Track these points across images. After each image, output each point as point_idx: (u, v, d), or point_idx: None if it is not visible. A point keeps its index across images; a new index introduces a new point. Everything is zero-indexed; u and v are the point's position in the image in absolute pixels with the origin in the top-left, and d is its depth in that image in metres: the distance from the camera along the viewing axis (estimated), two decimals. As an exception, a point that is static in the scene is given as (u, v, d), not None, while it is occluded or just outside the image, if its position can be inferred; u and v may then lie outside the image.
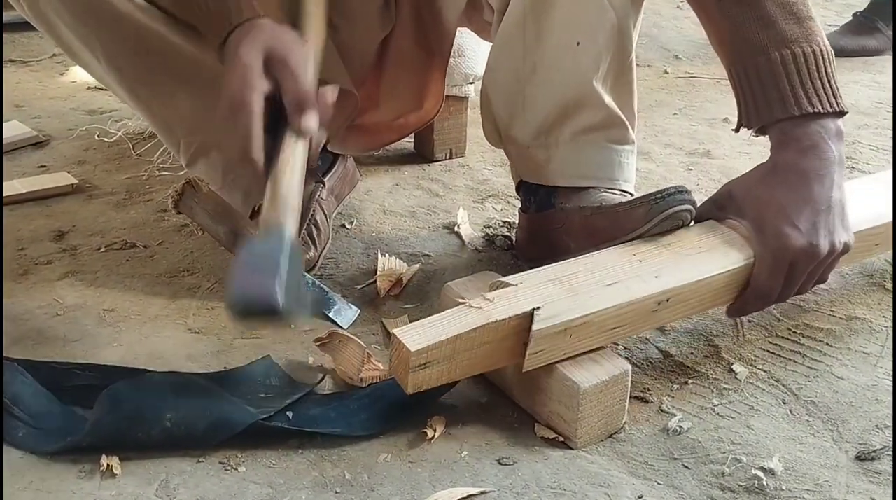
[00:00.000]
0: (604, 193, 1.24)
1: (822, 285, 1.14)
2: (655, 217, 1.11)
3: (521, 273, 1.02)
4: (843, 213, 1.06)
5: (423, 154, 1.72)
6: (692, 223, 1.15)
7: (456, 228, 1.45)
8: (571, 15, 1.16)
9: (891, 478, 0.95)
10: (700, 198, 1.54)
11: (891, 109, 1.99)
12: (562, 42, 1.18)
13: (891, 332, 1.19)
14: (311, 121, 0.99)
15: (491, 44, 1.51)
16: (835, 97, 1.06)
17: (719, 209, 1.10)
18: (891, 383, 1.09)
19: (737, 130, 1.12)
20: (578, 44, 1.17)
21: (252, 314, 0.89)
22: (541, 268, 1.02)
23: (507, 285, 0.97)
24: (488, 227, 1.46)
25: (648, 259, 1.03)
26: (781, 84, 1.05)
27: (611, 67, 1.20)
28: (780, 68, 1.05)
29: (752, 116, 1.09)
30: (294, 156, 0.98)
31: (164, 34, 1.17)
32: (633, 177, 1.28)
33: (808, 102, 1.05)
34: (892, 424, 1.02)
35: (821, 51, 1.06)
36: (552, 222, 1.27)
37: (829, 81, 1.06)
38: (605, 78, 1.20)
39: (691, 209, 1.14)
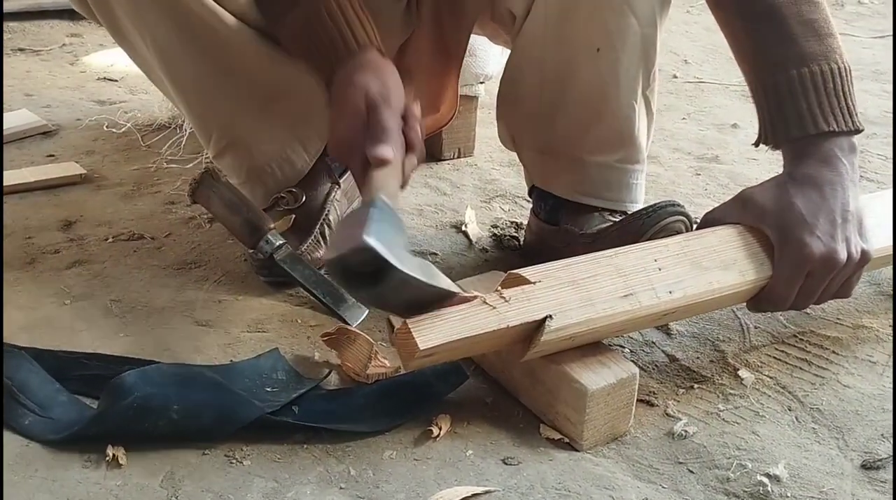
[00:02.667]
0: (608, 217, 1.26)
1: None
2: (648, 230, 1.15)
3: (542, 267, 1.00)
4: (860, 223, 1.06)
5: (431, 153, 1.72)
6: (695, 227, 1.16)
7: (463, 228, 1.45)
8: (592, 21, 1.17)
9: (896, 487, 0.95)
10: (709, 203, 1.56)
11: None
12: (581, 48, 1.19)
13: (897, 341, 1.19)
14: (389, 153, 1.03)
15: (500, 47, 1.52)
16: (851, 115, 1.06)
17: (741, 212, 1.10)
18: (897, 393, 1.09)
19: (756, 145, 1.12)
20: (598, 50, 1.17)
21: (349, 265, 0.86)
22: (563, 263, 1.00)
23: (526, 281, 0.97)
24: (496, 226, 1.46)
25: (668, 268, 1.02)
26: (798, 102, 1.06)
27: (632, 76, 1.20)
28: (797, 86, 1.06)
29: (769, 133, 1.10)
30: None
31: (219, 29, 1.18)
32: (642, 197, 1.29)
33: (823, 121, 1.05)
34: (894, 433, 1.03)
35: (839, 68, 1.06)
36: (557, 240, 1.30)
37: (845, 99, 1.06)
38: (625, 87, 1.21)
39: (684, 221, 1.17)
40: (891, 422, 1.04)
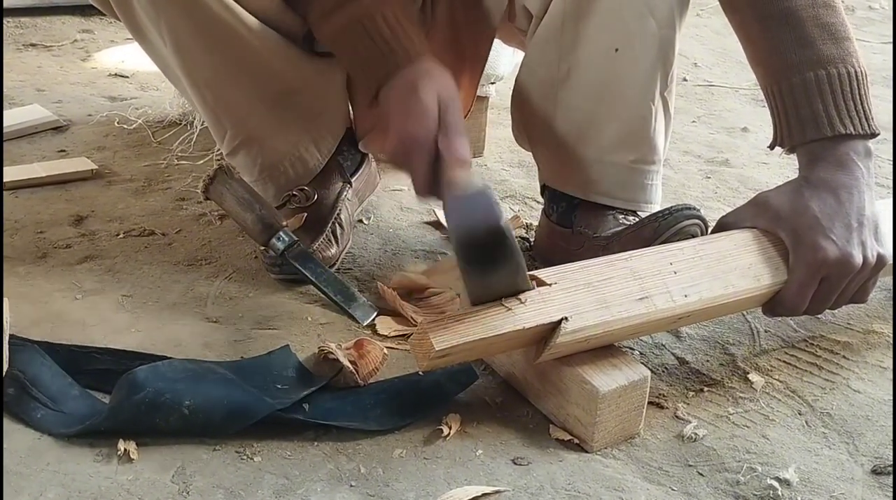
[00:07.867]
0: (622, 220, 1.25)
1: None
2: (663, 234, 1.15)
3: (558, 268, 1.00)
4: (877, 228, 1.06)
5: (441, 152, 1.72)
6: (709, 231, 1.16)
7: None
8: (611, 21, 1.17)
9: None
10: (719, 207, 1.56)
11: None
12: (599, 47, 1.19)
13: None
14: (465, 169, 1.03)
15: (512, 48, 1.52)
16: (867, 119, 1.07)
17: (755, 216, 1.10)
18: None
19: (771, 148, 1.13)
20: (616, 50, 1.17)
21: (479, 238, 0.91)
22: (579, 266, 1.01)
23: (542, 282, 0.97)
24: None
25: (683, 271, 1.03)
26: (815, 104, 1.06)
27: (650, 77, 1.20)
28: (814, 88, 1.06)
29: (784, 136, 1.10)
30: None
31: (237, 27, 1.19)
32: (658, 198, 1.28)
33: (840, 124, 1.05)
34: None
35: (856, 72, 1.07)
36: (569, 243, 1.29)
37: (861, 103, 1.06)
38: (642, 89, 1.21)
39: (700, 224, 1.16)
40: (901, 428, 1.04)
